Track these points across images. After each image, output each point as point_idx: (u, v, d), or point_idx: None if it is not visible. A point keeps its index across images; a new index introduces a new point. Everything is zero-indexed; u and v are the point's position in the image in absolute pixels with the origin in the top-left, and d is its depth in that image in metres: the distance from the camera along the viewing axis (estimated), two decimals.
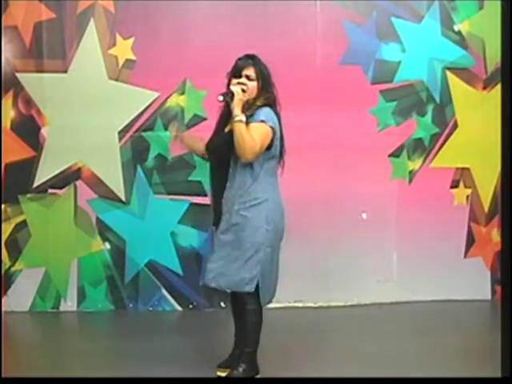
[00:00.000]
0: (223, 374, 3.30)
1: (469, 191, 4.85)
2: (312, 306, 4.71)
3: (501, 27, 4.36)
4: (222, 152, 3.16)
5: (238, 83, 3.13)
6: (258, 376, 3.28)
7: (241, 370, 3.21)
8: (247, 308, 3.19)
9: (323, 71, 4.59)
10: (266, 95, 3.18)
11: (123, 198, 4.60)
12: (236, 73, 3.18)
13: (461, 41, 4.74)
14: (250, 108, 3.14)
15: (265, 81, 3.19)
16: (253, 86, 3.15)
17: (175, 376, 3.32)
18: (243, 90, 3.10)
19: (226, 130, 3.22)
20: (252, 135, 3.02)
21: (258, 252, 3.12)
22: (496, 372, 2.93)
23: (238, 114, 3.03)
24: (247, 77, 3.16)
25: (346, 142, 4.64)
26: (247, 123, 3.06)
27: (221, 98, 3.10)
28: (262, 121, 3.09)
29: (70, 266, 4.61)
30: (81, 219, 4.60)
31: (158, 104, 4.55)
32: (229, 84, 3.20)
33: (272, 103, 3.20)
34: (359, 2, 4.62)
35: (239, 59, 3.22)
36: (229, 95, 3.08)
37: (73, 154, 4.55)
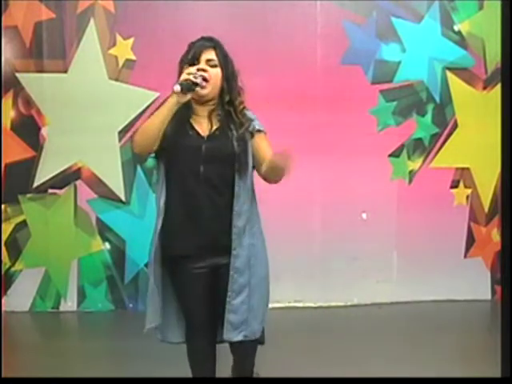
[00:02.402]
0: None
1: (469, 191, 4.85)
2: (312, 306, 4.71)
3: (501, 27, 4.35)
4: (239, 162, 2.48)
5: (198, 70, 2.43)
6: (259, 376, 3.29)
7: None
8: (254, 348, 2.70)
9: (323, 71, 4.59)
10: (237, 89, 2.54)
11: (123, 198, 4.60)
12: (192, 59, 2.48)
13: (461, 41, 4.73)
14: (234, 113, 2.52)
15: (231, 68, 2.54)
16: (216, 72, 2.48)
17: (175, 376, 3.32)
18: (205, 79, 2.43)
19: (203, 133, 2.51)
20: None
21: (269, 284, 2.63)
22: (496, 372, 2.93)
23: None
24: (208, 61, 2.49)
25: (346, 142, 4.64)
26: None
27: (178, 87, 2.36)
28: (263, 131, 2.58)
29: (70, 266, 4.61)
30: (81, 219, 4.60)
31: (157, 104, 4.55)
32: (180, 74, 2.48)
33: (243, 99, 2.57)
34: (359, 2, 4.62)
35: (194, 42, 2.56)
36: (189, 84, 2.38)
37: (73, 154, 4.55)
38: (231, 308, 2.50)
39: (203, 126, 2.53)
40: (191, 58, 2.49)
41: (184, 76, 2.40)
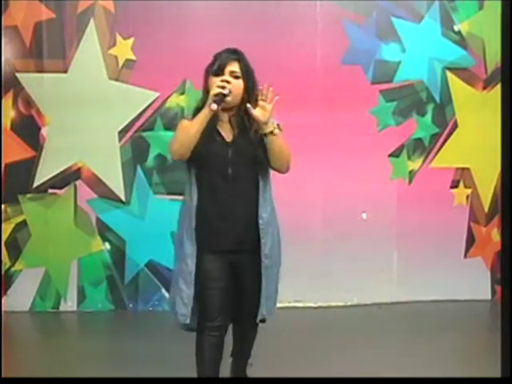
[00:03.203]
0: None
1: (469, 191, 4.85)
2: (312, 306, 4.71)
3: (501, 27, 4.36)
4: (260, 163, 2.75)
5: (222, 81, 2.65)
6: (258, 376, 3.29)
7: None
8: (256, 325, 2.93)
9: (323, 71, 4.59)
10: (255, 96, 2.73)
11: (123, 198, 4.60)
12: (217, 70, 2.70)
13: (461, 41, 4.73)
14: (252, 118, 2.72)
15: (252, 80, 2.76)
16: (238, 84, 2.71)
17: (175, 376, 3.32)
18: (229, 90, 2.66)
19: (227, 139, 2.77)
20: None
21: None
22: (496, 372, 2.93)
23: (273, 123, 2.69)
24: (231, 73, 2.70)
25: (346, 142, 4.64)
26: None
27: (214, 106, 2.61)
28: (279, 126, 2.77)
29: (70, 266, 4.61)
30: (81, 219, 4.60)
31: (157, 104, 4.55)
32: (206, 83, 2.76)
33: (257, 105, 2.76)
34: (359, 2, 4.62)
35: (219, 54, 2.77)
36: (221, 98, 2.63)
37: (73, 154, 4.55)
38: (264, 293, 2.78)
39: (227, 131, 2.77)
40: (217, 68, 2.71)
41: (215, 91, 2.62)
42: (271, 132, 2.69)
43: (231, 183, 2.74)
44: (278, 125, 2.73)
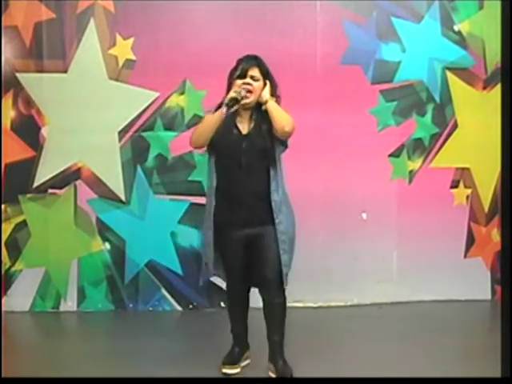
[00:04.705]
0: (231, 371, 3.37)
1: (469, 191, 4.85)
2: (312, 306, 4.71)
3: (501, 27, 4.36)
4: (270, 153, 3.20)
5: (244, 83, 3.13)
6: (258, 376, 3.29)
7: (286, 365, 3.32)
8: (281, 300, 3.32)
9: (323, 71, 4.59)
10: (276, 96, 3.23)
11: (123, 198, 4.60)
12: (240, 74, 3.16)
13: (461, 41, 4.73)
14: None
15: (271, 80, 3.22)
16: (258, 86, 3.17)
17: (175, 376, 3.32)
18: (250, 91, 3.13)
19: (243, 131, 3.23)
20: None
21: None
22: (496, 372, 2.93)
23: (268, 96, 3.16)
24: (252, 77, 3.16)
25: (346, 142, 4.64)
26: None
27: (224, 109, 3.09)
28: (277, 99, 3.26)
29: (70, 266, 4.61)
30: (81, 219, 4.60)
31: (157, 104, 4.55)
32: (229, 86, 3.21)
33: (280, 105, 3.23)
34: (359, 2, 4.62)
35: (241, 60, 3.22)
36: (232, 101, 3.09)
37: (73, 154, 4.55)
38: (284, 263, 3.26)
39: (244, 125, 3.24)
40: (240, 73, 3.17)
41: (230, 95, 3.10)
42: (266, 101, 3.14)
43: (244, 170, 3.18)
44: (275, 97, 3.21)
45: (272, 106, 3.15)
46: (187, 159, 4.56)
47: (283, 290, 3.29)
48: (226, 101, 3.09)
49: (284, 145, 3.27)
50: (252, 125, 3.23)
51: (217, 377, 3.34)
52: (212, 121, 3.15)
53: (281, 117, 3.15)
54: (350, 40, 4.62)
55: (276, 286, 3.26)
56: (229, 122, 3.18)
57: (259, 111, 3.20)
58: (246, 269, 3.32)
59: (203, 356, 3.67)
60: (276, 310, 3.31)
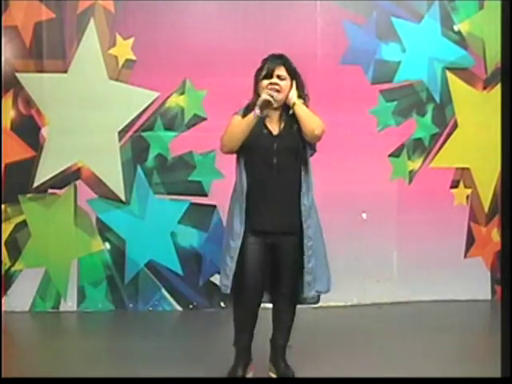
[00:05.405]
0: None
1: (469, 191, 4.85)
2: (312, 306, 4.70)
3: (501, 27, 4.36)
4: (301, 154, 3.13)
5: (270, 83, 3.05)
6: (257, 376, 3.29)
7: (288, 367, 3.29)
8: (292, 308, 3.29)
9: (323, 71, 4.59)
10: (303, 95, 3.15)
11: (123, 198, 4.60)
12: (267, 74, 3.08)
13: (461, 41, 4.74)
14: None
15: (298, 79, 3.14)
16: (286, 85, 3.08)
17: (175, 376, 3.32)
18: (278, 91, 3.05)
19: (274, 132, 3.14)
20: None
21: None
22: (496, 372, 2.93)
23: (295, 99, 3.08)
24: (278, 77, 3.07)
25: (346, 142, 4.64)
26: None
27: (258, 112, 3.00)
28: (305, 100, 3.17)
29: (70, 266, 4.61)
30: (81, 219, 4.60)
31: (157, 104, 4.55)
32: (256, 85, 3.12)
33: (308, 105, 3.17)
34: (359, 2, 4.62)
35: (266, 59, 3.13)
36: (265, 104, 3.01)
37: (73, 154, 4.55)
38: (307, 270, 3.13)
39: (274, 125, 3.14)
40: (266, 73, 3.08)
41: (262, 98, 3.01)
42: (294, 103, 3.06)
43: (276, 172, 3.09)
44: (303, 98, 3.13)
45: (300, 109, 3.07)
46: (187, 159, 4.56)
47: (295, 301, 3.25)
48: (259, 103, 3.00)
49: (312, 148, 3.20)
50: (282, 125, 3.13)
51: (217, 377, 3.33)
52: (244, 123, 3.04)
53: (310, 120, 3.08)
54: (349, 40, 4.62)
55: (289, 298, 3.21)
56: (258, 123, 3.07)
57: (288, 111, 3.12)
58: (263, 279, 3.18)
59: (203, 356, 3.67)
60: (286, 316, 3.28)
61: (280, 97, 3.06)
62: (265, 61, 3.13)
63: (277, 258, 3.16)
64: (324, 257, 3.27)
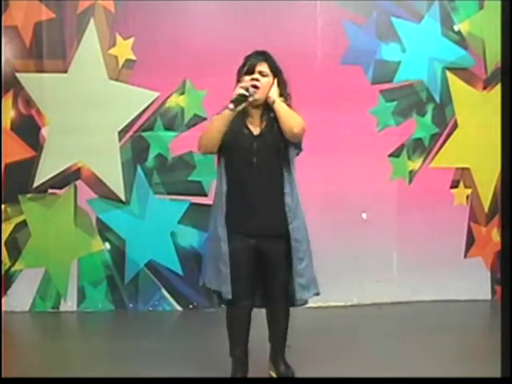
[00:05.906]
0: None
1: (469, 191, 4.85)
2: (312, 306, 4.68)
3: (501, 27, 4.36)
4: (282, 154, 3.03)
5: (252, 79, 2.96)
6: (258, 376, 3.29)
7: (288, 367, 3.27)
8: (286, 309, 3.25)
9: (323, 71, 4.59)
10: (285, 94, 3.07)
11: (123, 198, 4.60)
12: (248, 70, 3.00)
13: (461, 41, 4.74)
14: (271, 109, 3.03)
15: (280, 77, 3.07)
16: (267, 82, 3.00)
17: (175, 376, 3.32)
18: (256, 87, 2.94)
19: (255, 132, 3.05)
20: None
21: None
22: (496, 372, 2.93)
23: (275, 96, 3.00)
24: (260, 73, 3.00)
25: (346, 142, 4.64)
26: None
27: (231, 106, 2.89)
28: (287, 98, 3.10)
29: (70, 266, 4.61)
30: (81, 219, 4.60)
31: (157, 104, 4.55)
32: (237, 83, 3.02)
33: (291, 104, 3.10)
34: (359, 2, 4.62)
35: (249, 56, 3.07)
36: (239, 99, 2.90)
37: (73, 154, 4.55)
38: (299, 273, 3.07)
39: (255, 125, 3.06)
40: (247, 69, 3.01)
41: (236, 91, 2.91)
42: (274, 101, 2.98)
43: (256, 171, 3.00)
44: (285, 97, 3.05)
45: (279, 107, 2.98)
46: (187, 159, 4.56)
47: (289, 304, 3.21)
48: (233, 97, 2.90)
49: (298, 147, 3.11)
50: (264, 125, 3.05)
51: (216, 377, 3.33)
52: (219, 121, 2.96)
53: (289, 117, 2.98)
54: (349, 40, 4.62)
55: (282, 300, 3.17)
56: (239, 123, 3.01)
57: (271, 110, 3.03)
58: (254, 283, 3.14)
59: (203, 356, 3.67)
60: (280, 317, 3.24)
61: (258, 95, 2.96)
62: (248, 57, 3.07)
63: (265, 262, 3.09)
64: (311, 258, 3.20)
